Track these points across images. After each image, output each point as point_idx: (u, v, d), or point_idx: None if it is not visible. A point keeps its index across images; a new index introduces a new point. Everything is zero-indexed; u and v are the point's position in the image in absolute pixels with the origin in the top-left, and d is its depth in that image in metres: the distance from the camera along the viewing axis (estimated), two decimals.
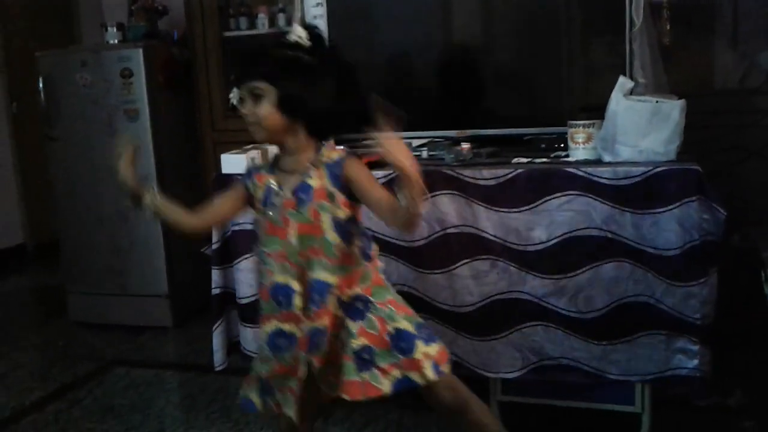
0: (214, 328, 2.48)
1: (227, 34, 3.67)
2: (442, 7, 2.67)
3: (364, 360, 1.69)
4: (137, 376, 3.17)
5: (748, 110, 2.88)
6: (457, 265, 2.19)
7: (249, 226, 2.39)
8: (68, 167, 3.78)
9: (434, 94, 2.67)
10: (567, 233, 2.06)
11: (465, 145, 2.33)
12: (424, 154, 2.47)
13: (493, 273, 2.15)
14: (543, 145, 2.37)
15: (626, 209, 2.02)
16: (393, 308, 1.74)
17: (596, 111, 2.17)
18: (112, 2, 4.40)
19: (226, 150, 2.48)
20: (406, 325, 1.72)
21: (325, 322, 1.71)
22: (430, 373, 1.68)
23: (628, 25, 2.33)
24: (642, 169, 2.01)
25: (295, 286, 1.71)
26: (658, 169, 2.00)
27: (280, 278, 1.73)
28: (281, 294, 1.73)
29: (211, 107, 3.70)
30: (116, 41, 3.73)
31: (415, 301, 2.23)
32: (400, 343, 1.69)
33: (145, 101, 3.57)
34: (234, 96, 1.74)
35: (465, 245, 2.17)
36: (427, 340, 1.72)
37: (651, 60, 2.35)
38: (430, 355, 1.70)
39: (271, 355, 1.76)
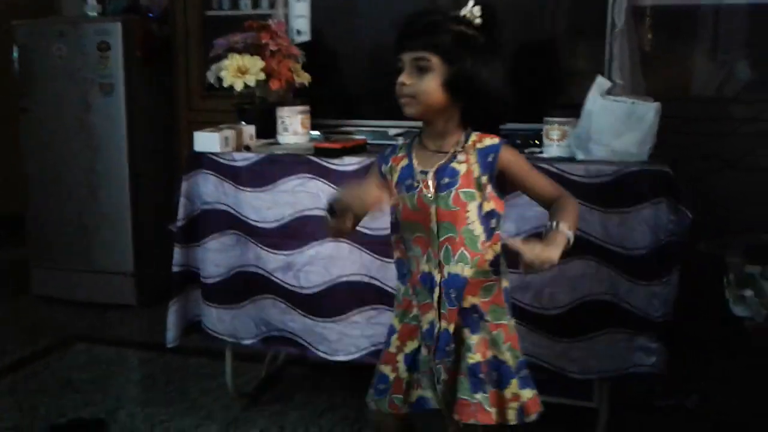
0: (170, 305, 2.45)
1: (209, 13, 3.62)
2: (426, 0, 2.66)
3: (478, 379, 1.53)
4: (98, 352, 3.14)
5: (724, 118, 2.91)
6: None
7: (219, 206, 2.38)
8: (39, 140, 3.73)
9: None
10: (535, 228, 2.06)
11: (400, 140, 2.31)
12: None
13: None
14: (518, 141, 2.36)
15: (596, 207, 2.03)
16: (503, 334, 1.57)
17: (573, 109, 2.17)
18: None
19: (201, 129, 2.45)
20: (507, 358, 1.56)
21: (452, 325, 1.56)
22: (512, 417, 1.55)
23: (609, 26, 2.35)
24: (614, 168, 2.02)
25: (438, 277, 1.55)
26: (629, 170, 2.01)
27: (425, 267, 1.57)
28: (428, 283, 1.57)
29: (188, 86, 3.65)
30: (95, 14, 3.68)
31: (376, 291, 2.24)
32: (493, 373, 1.55)
33: (121, 76, 3.52)
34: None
35: None
36: (523, 384, 1.57)
37: (630, 62, 2.37)
38: (519, 399, 1.56)
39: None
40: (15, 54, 3.71)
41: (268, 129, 2.52)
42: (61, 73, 3.60)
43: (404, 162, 1.60)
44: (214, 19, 3.60)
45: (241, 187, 2.35)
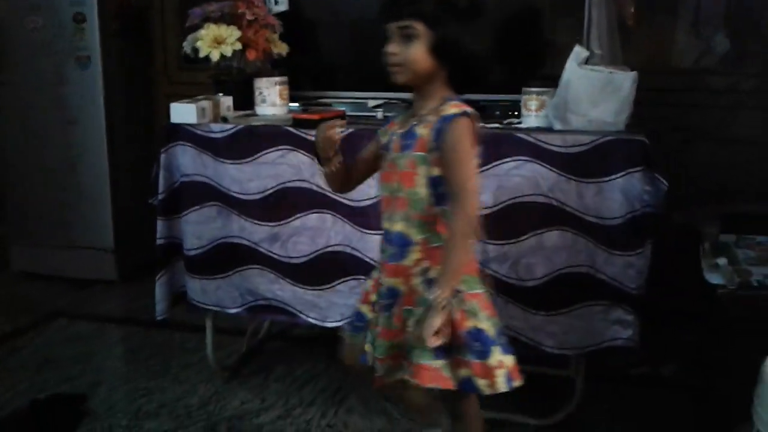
0: (157, 278, 2.45)
1: None
2: None
3: (439, 347, 1.52)
4: (79, 328, 3.12)
5: (701, 89, 2.92)
6: None
7: (198, 178, 2.36)
8: (14, 115, 3.66)
9: None
10: (513, 198, 2.07)
11: None
12: (379, 114, 2.45)
13: None
14: (497, 112, 2.37)
15: (572, 177, 2.03)
16: (478, 304, 1.58)
17: (553, 80, 2.17)
18: None
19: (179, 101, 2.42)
20: (487, 327, 1.57)
21: (399, 284, 1.61)
22: (502, 384, 1.56)
23: None
24: (590, 137, 2.02)
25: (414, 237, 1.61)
26: (606, 139, 2.01)
27: (386, 224, 1.65)
28: (397, 243, 1.62)
29: (165, 58, 3.61)
30: None
31: (357, 263, 2.25)
32: (476, 344, 1.55)
33: (97, 48, 3.45)
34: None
35: None
36: (505, 350, 1.58)
37: (608, 32, 2.35)
38: (504, 365, 1.56)
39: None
40: None
41: (245, 100, 2.50)
42: (36, 46, 3.53)
43: (395, 128, 1.68)
44: None
45: (221, 159, 2.33)
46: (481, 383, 1.55)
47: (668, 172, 2.01)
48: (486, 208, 2.09)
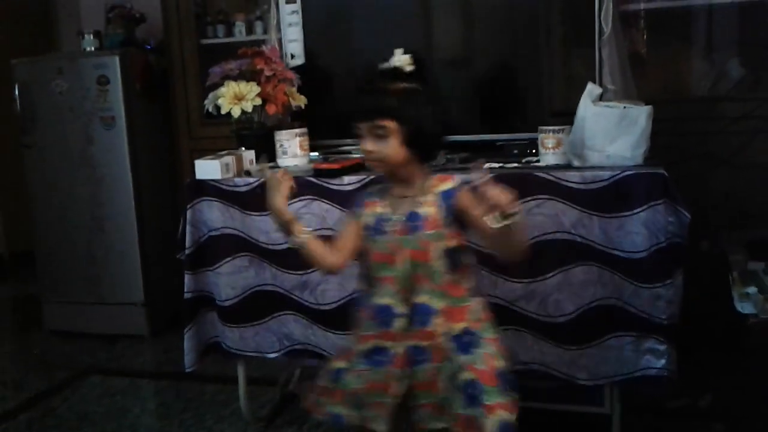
0: (185, 330, 2.48)
1: (204, 41, 3.68)
2: (419, 14, 2.70)
3: (471, 396, 1.62)
4: (112, 384, 3.16)
5: (716, 117, 2.92)
6: None
7: (228, 231, 2.41)
8: (44, 175, 3.77)
9: None
10: (537, 237, 2.08)
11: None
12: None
13: None
14: (516, 151, 2.39)
15: (594, 213, 2.04)
16: (496, 346, 1.69)
17: (567, 117, 2.20)
18: (90, 10, 4.39)
19: (203, 156, 2.48)
20: (503, 366, 1.67)
21: (426, 342, 1.67)
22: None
23: (598, 33, 2.37)
24: (609, 173, 2.04)
25: (400, 309, 1.68)
26: (625, 174, 2.03)
27: (384, 300, 1.70)
28: (383, 315, 1.70)
29: (188, 114, 3.70)
30: (93, 48, 3.73)
31: None
32: (506, 383, 1.64)
33: (121, 109, 3.57)
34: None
35: None
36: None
37: (620, 67, 2.39)
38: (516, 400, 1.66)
39: (367, 368, 1.70)
40: (16, 92, 3.75)
41: (267, 153, 2.55)
42: (62, 109, 3.65)
43: (376, 208, 1.74)
44: (210, 47, 3.66)
45: (247, 212, 2.38)
46: (512, 416, 1.62)
47: (690, 201, 2.01)
48: None
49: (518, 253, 1.61)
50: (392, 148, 1.64)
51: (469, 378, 1.62)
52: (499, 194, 1.45)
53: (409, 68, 1.67)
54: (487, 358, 1.64)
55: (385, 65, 1.69)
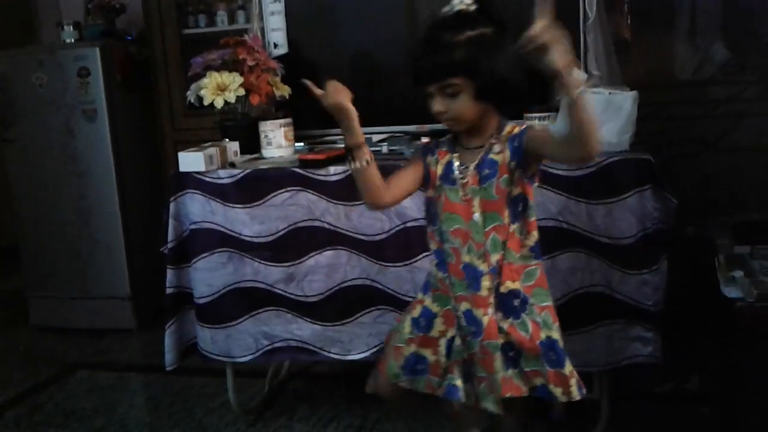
0: (166, 326, 2.45)
1: (186, 31, 3.63)
2: (403, 2, 2.67)
3: (509, 357, 1.61)
4: (100, 379, 3.14)
5: (702, 101, 2.93)
6: (418, 258, 2.20)
7: (207, 225, 2.38)
8: (26, 169, 3.72)
9: (394, 90, 2.67)
10: (552, 217, 2.07)
11: (424, 139, 2.33)
12: (384, 149, 2.48)
13: None
14: None
15: (581, 199, 2.04)
16: (550, 316, 1.64)
17: (552, 103, 2.18)
18: (69, 1, 4.32)
19: (187, 148, 2.45)
20: (558, 338, 1.63)
21: (480, 314, 1.62)
22: (576, 393, 1.61)
23: (582, 18, 2.36)
24: (596, 159, 2.03)
25: (483, 267, 1.61)
26: (611, 160, 2.02)
27: (467, 258, 1.62)
28: (471, 275, 1.62)
29: (171, 106, 3.65)
30: (73, 40, 3.67)
31: (378, 294, 2.26)
32: (551, 354, 1.61)
33: (103, 101, 3.52)
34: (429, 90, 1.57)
35: (425, 238, 2.16)
36: (569, 359, 1.64)
37: (605, 52, 2.39)
38: (574, 374, 1.62)
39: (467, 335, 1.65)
40: None
41: (251, 144, 2.53)
42: (43, 102, 3.60)
43: (447, 157, 1.65)
44: (192, 37, 3.60)
45: (230, 204, 2.35)
46: (557, 391, 1.60)
47: (676, 186, 2.01)
48: None
49: (592, 136, 1.41)
50: (465, 105, 1.54)
51: (508, 341, 1.61)
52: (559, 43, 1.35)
53: (472, 7, 1.53)
54: (533, 327, 1.60)
55: (447, 9, 1.55)
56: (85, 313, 3.71)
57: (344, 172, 2.24)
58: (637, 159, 2.02)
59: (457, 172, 1.62)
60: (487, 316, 1.61)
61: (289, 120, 2.53)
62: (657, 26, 3.14)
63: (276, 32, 2.71)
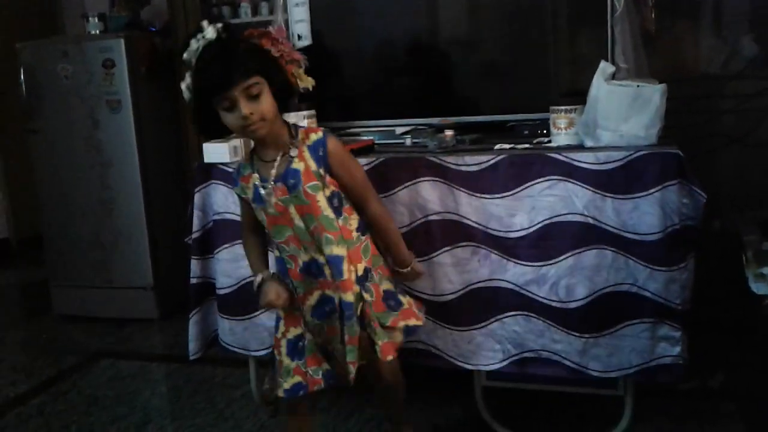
0: (190, 315, 2.46)
1: None
2: None
3: (385, 328, 1.86)
4: (122, 368, 3.17)
5: (730, 95, 2.88)
6: (438, 252, 2.16)
7: (229, 216, 2.38)
8: (50, 160, 3.76)
9: (418, 82, 2.67)
10: (548, 219, 2.05)
11: (448, 132, 2.32)
12: (408, 141, 2.46)
13: (474, 260, 2.13)
14: (526, 132, 2.35)
15: (607, 194, 2.00)
16: (381, 272, 1.90)
17: (579, 96, 2.16)
18: None
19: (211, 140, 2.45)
20: (388, 286, 1.91)
21: (350, 296, 1.80)
22: (422, 316, 1.95)
23: (610, 10, 2.33)
24: (623, 153, 2.00)
25: (321, 258, 1.79)
26: (639, 153, 1.99)
27: (305, 257, 1.81)
28: (313, 267, 1.81)
29: None
30: (98, 31, 3.70)
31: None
32: (390, 301, 1.88)
33: (127, 92, 3.54)
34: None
35: (446, 232, 2.15)
36: (403, 292, 1.96)
37: (632, 45, 2.35)
38: (411, 302, 1.93)
39: (321, 321, 1.87)
40: (21, 76, 3.73)
41: None
42: (68, 92, 3.63)
43: (251, 180, 1.79)
44: None
45: None
46: (411, 322, 1.91)
47: (702, 180, 1.98)
48: (521, 229, 2.08)
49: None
50: (268, 102, 1.68)
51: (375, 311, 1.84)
52: None
53: (224, 34, 1.71)
54: (374, 288, 1.85)
55: (201, 37, 1.71)
56: (107, 303, 3.74)
57: (367, 164, 2.21)
58: (665, 153, 1.97)
59: (263, 192, 1.77)
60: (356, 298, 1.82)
61: (312, 112, 2.52)
62: (684, 18, 3.09)
63: (300, 24, 2.71)
